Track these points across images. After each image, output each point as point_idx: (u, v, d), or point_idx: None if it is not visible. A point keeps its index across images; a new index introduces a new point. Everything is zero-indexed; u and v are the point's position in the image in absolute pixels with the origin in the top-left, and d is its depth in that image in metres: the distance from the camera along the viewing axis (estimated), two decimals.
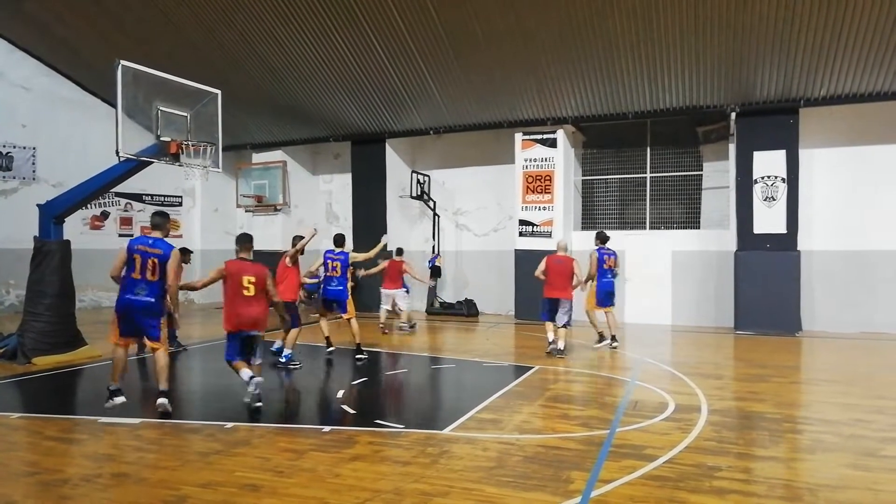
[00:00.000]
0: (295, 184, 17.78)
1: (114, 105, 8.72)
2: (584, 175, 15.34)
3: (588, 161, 15.35)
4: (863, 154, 12.52)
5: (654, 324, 13.68)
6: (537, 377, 8.29)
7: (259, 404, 6.56)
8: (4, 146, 14.95)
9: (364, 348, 9.65)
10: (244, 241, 6.95)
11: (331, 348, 9.75)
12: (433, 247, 16.31)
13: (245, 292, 6.61)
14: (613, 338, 10.51)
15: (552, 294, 9.73)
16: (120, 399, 6.36)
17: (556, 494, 4.28)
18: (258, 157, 17.86)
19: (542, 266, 9.78)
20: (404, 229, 16.78)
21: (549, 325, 9.90)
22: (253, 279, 6.65)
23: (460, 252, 16.61)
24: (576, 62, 12.19)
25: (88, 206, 13.92)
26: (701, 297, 13.62)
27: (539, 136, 14.39)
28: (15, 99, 15.11)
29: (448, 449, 5.26)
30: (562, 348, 9.63)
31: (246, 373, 6.58)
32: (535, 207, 14.37)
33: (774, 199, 12.39)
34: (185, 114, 9.40)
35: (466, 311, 15.30)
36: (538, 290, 10.15)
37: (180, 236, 17.74)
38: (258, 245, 17.01)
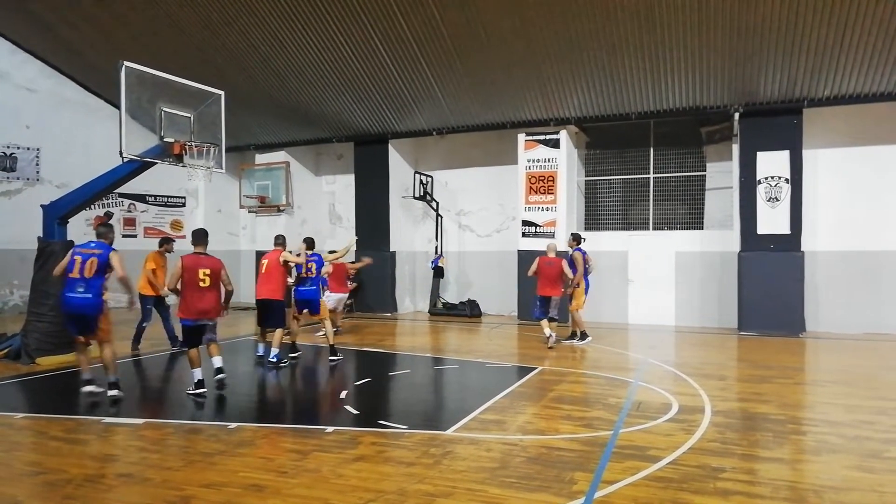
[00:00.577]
0: (298, 184, 17.80)
1: (117, 106, 8.75)
2: (587, 176, 15.33)
3: (591, 161, 15.34)
4: (867, 154, 12.49)
5: (658, 325, 13.66)
6: (540, 378, 8.29)
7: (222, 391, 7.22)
8: (9, 147, 15.00)
9: (367, 350, 9.65)
10: (200, 237, 7.43)
11: (297, 353, 9.74)
12: (436, 247, 16.31)
13: (201, 283, 7.17)
14: (584, 334, 11.23)
15: (545, 292, 10.58)
16: (90, 387, 7.25)
17: (560, 495, 4.27)
18: (261, 158, 17.88)
19: (534, 266, 10.69)
20: (407, 230, 16.79)
21: (544, 323, 10.63)
22: (208, 271, 7.21)
23: (463, 253, 16.60)
24: (579, 62, 12.18)
25: (92, 206, 13.93)
26: (704, 298, 13.60)
27: (542, 137, 14.38)
28: (19, 100, 15.16)
29: (451, 450, 5.26)
30: (557, 337, 10.72)
31: (217, 360, 7.33)
32: (538, 208, 14.36)
33: (778, 200, 12.37)
34: (188, 115, 9.43)
35: (469, 311, 15.29)
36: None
37: (183, 237, 17.74)
38: (261, 245, 17.14)
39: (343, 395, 7.38)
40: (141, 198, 17.33)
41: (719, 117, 13.36)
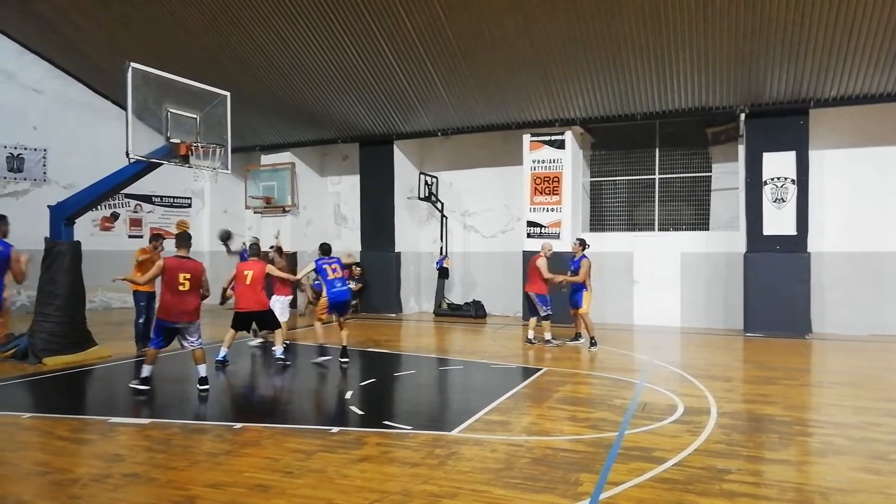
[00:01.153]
0: (303, 185, 17.83)
1: (124, 107, 8.78)
2: (592, 176, 15.31)
3: (596, 162, 15.32)
4: (874, 155, 12.43)
5: (663, 326, 13.63)
6: (545, 379, 8.28)
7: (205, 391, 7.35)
8: (16, 148, 15.07)
9: (371, 350, 9.68)
10: (184, 240, 7.59)
11: (328, 357, 9.67)
12: (441, 248, 16.31)
13: (181, 287, 7.24)
14: (578, 335, 11.23)
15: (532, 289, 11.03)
16: None
17: (565, 497, 4.27)
18: (267, 159, 17.92)
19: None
20: (412, 230, 16.79)
21: (546, 325, 10.88)
22: (188, 276, 7.30)
23: (468, 253, 16.60)
24: (584, 63, 12.17)
25: (99, 207, 14.01)
26: (710, 299, 13.56)
27: (547, 138, 14.36)
28: (26, 101, 15.24)
29: (456, 450, 5.26)
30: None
31: (202, 368, 7.45)
32: (543, 209, 14.35)
33: (784, 201, 12.32)
34: (194, 116, 9.46)
35: (474, 312, 15.29)
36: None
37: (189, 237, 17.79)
38: (267, 246, 17.13)
39: (348, 395, 7.39)
40: (147, 198, 17.39)
41: (725, 118, 13.32)
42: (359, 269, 16.01)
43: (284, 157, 17.64)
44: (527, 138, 14.56)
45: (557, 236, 13.91)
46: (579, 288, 10.73)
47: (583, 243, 11.11)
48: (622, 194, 15.01)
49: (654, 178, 14.52)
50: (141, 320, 10.24)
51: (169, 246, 10.55)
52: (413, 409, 7.11)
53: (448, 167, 16.75)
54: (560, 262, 11.71)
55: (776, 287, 12.15)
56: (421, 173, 16.08)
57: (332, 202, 18.60)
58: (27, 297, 14.35)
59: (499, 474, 4.71)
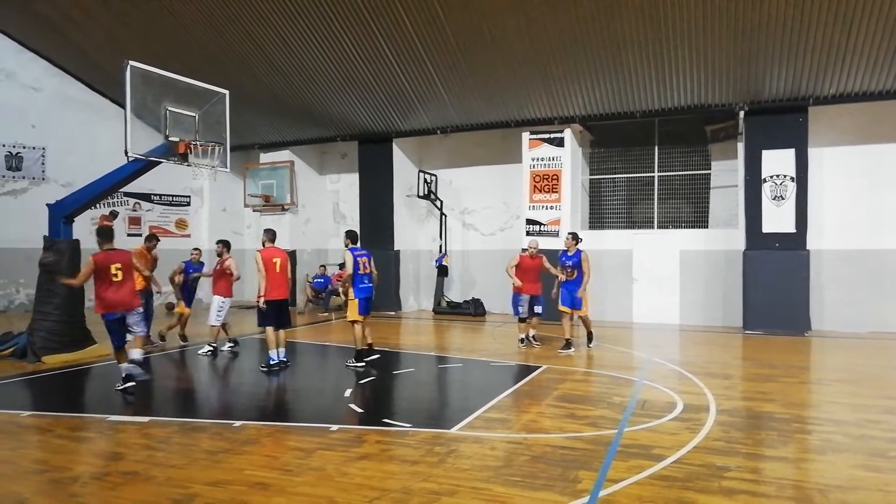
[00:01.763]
0: (302, 183, 17.83)
1: (122, 105, 8.76)
2: (591, 174, 15.31)
3: (596, 160, 15.33)
4: (873, 153, 12.44)
5: (662, 323, 13.64)
6: (545, 377, 8.28)
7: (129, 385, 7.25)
8: (14, 146, 15.05)
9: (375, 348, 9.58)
10: (107, 234, 7.57)
11: (376, 356, 9.25)
12: (440, 246, 16.32)
13: (114, 279, 7.31)
14: (569, 342, 10.19)
15: (533, 291, 10.47)
16: None
17: (564, 494, 4.27)
18: (266, 157, 17.92)
19: (514, 261, 10.55)
20: (411, 229, 16.79)
21: (535, 322, 10.71)
22: (120, 266, 7.39)
23: (467, 251, 16.61)
24: (583, 61, 12.16)
25: (97, 205, 13.98)
26: (709, 297, 13.57)
27: (546, 136, 14.36)
28: (25, 100, 15.22)
29: (456, 448, 5.26)
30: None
31: (125, 367, 7.31)
32: (543, 207, 14.35)
33: (783, 198, 12.33)
34: (193, 114, 9.45)
35: (473, 310, 15.29)
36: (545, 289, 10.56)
37: (188, 235, 17.81)
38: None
39: (347, 393, 7.38)
40: (146, 197, 17.38)
41: (724, 115, 13.33)
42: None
43: (283, 155, 17.65)
44: (526, 136, 14.56)
45: (556, 234, 13.91)
46: (574, 286, 10.00)
47: (575, 237, 10.38)
48: (621, 192, 15.01)
49: (654, 176, 14.52)
50: None
51: (161, 244, 10.66)
52: (412, 407, 7.11)
53: (447, 165, 16.75)
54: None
55: (775, 284, 12.16)
56: (420, 171, 16.08)
57: (331, 200, 18.60)
58: (26, 296, 14.37)
59: (498, 472, 4.71)
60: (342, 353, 9.75)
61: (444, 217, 16.35)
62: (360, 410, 6.65)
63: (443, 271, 16.06)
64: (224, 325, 10.32)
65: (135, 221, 17.14)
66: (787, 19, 10.36)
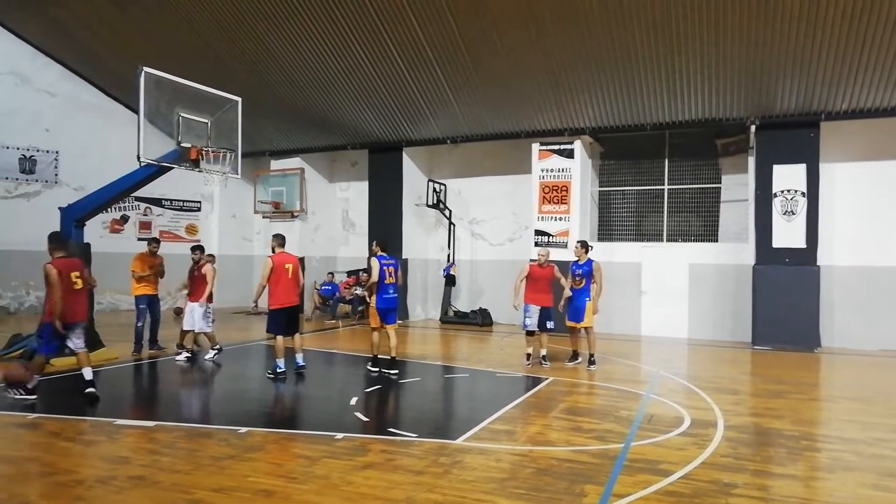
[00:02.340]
0: (312, 191, 17.90)
1: (135, 111, 8.85)
2: (601, 186, 15.29)
3: (605, 172, 15.31)
4: (885, 169, 12.36)
5: (671, 337, 13.56)
6: (551, 389, 8.24)
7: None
8: (28, 150, 15.21)
9: (378, 357, 9.55)
10: (59, 240, 7.26)
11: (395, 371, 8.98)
12: (448, 255, 16.31)
13: (76, 286, 7.06)
14: (576, 354, 10.09)
15: (544, 302, 9.78)
16: None
17: None
18: (276, 164, 18.01)
19: (524, 273, 9.89)
20: (420, 238, 16.81)
21: (544, 339, 9.87)
22: (78, 273, 7.12)
23: (475, 261, 16.59)
24: (594, 73, 12.18)
25: (109, 209, 14.09)
26: (718, 311, 13.48)
27: (556, 147, 14.36)
28: (39, 104, 15.40)
29: (461, 459, 5.24)
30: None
31: (89, 371, 7.18)
32: (552, 218, 14.33)
33: (794, 213, 12.27)
34: (205, 120, 9.54)
35: (480, 320, 15.26)
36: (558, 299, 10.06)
37: (198, 241, 17.89)
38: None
39: (353, 401, 7.37)
40: (157, 202, 17.51)
41: (735, 129, 13.29)
42: (366, 275, 16.00)
43: (294, 162, 17.73)
44: (536, 147, 14.57)
45: (565, 245, 13.88)
46: (581, 296, 9.76)
47: (585, 245, 10.11)
48: (631, 204, 14.98)
49: (664, 189, 14.48)
50: (140, 323, 10.20)
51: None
52: (418, 417, 7.09)
53: (456, 175, 16.78)
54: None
55: (785, 300, 12.07)
56: (429, 180, 16.10)
57: (341, 208, 18.66)
58: (36, 298, 14.46)
59: (503, 484, 4.68)
60: (349, 361, 9.75)
61: (452, 226, 16.36)
62: (365, 419, 6.64)
63: (450, 281, 16.05)
64: (200, 333, 9.96)
65: (145, 226, 17.25)
66: (799, 34, 10.34)
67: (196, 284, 9.86)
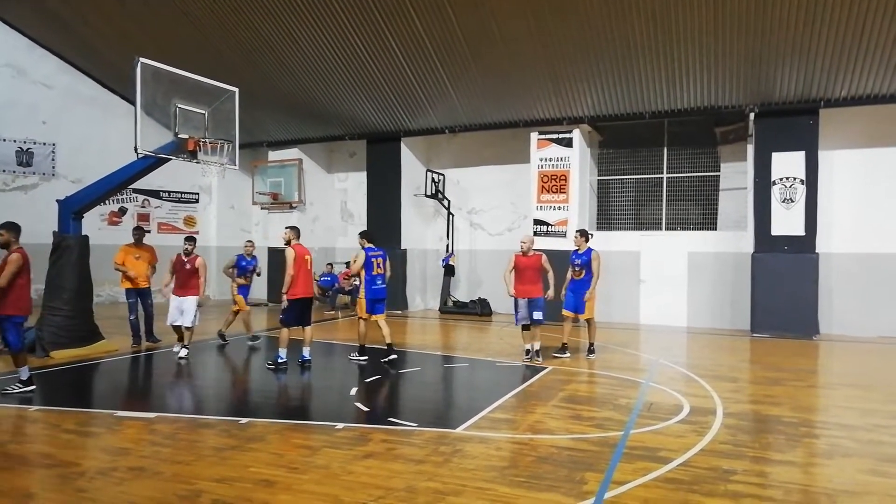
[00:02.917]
0: (310, 182, 17.86)
1: (133, 102, 8.81)
2: (599, 175, 15.27)
3: (604, 161, 15.28)
4: (884, 156, 12.34)
5: (670, 325, 13.59)
6: (551, 377, 8.26)
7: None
8: (25, 142, 15.16)
9: (377, 347, 9.58)
10: (14, 228, 7.06)
11: (394, 356, 9.12)
12: (447, 246, 16.30)
13: (30, 277, 6.94)
14: (565, 346, 9.69)
15: (527, 294, 9.22)
16: None
17: (570, 495, 4.26)
18: (274, 155, 17.96)
19: (510, 264, 9.37)
20: (419, 228, 16.79)
21: (536, 331, 9.38)
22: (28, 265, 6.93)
23: (474, 251, 16.59)
24: (593, 62, 12.12)
25: (106, 202, 14.05)
26: (717, 299, 13.51)
27: (555, 136, 14.32)
28: (36, 96, 15.33)
29: (461, 448, 5.26)
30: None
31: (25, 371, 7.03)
32: (550, 207, 14.31)
33: (793, 201, 12.26)
34: (202, 111, 9.49)
35: (480, 310, 15.28)
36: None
37: (197, 233, 17.87)
38: (274, 242, 17.17)
39: (353, 391, 7.39)
40: (155, 193, 17.47)
41: (734, 117, 13.26)
42: (350, 268, 16.00)
43: (292, 153, 17.68)
44: (534, 136, 14.53)
45: (564, 235, 13.88)
46: (581, 288, 9.48)
47: (585, 234, 9.71)
48: (630, 193, 14.96)
49: (662, 178, 14.47)
50: (132, 317, 10.15)
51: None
52: (418, 407, 7.11)
53: (455, 165, 16.74)
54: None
55: (784, 287, 12.09)
56: (428, 171, 16.07)
57: (339, 199, 18.63)
58: (35, 291, 14.42)
59: (503, 472, 4.70)
60: (348, 352, 9.76)
61: (451, 217, 16.34)
62: (365, 409, 6.65)
63: (449, 271, 16.05)
64: (183, 328, 9.41)
65: (144, 218, 17.21)
66: (798, 21, 10.30)
67: (188, 278, 9.33)
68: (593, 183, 15.17)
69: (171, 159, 9.39)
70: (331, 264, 16.75)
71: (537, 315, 9.14)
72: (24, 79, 15.16)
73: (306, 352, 8.83)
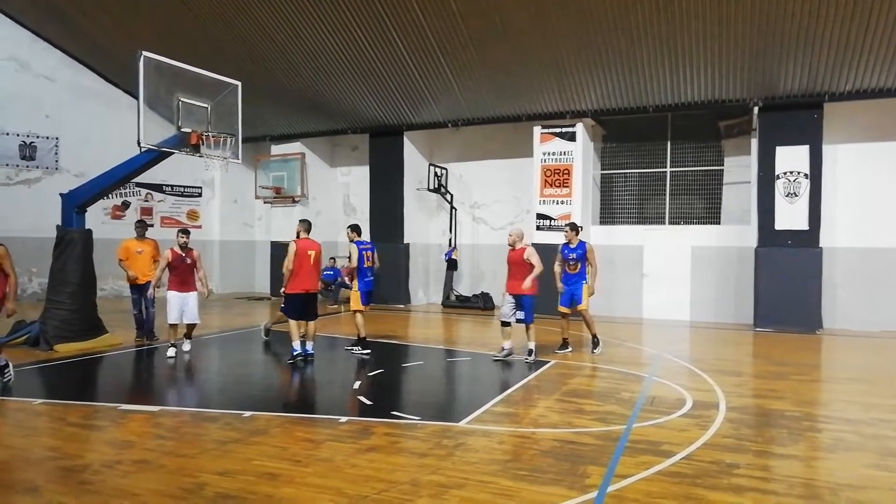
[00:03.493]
0: (313, 175, 17.85)
1: (135, 96, 8.80)
2: (603, 169, 15.23)
3: (607, 155, 15.24)
4: (888, 151, 12.29)
5: (673, 320, 13.58)
6: (554, 371, 8.26)
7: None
8: (28, 136, 15.17)
9: (380, 341, 9.63)
10: None
11: (369, 350, 9.29)
12: (450, 240, 16.30)
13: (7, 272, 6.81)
14: (566, 342, 9.57)
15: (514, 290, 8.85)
16: None
17: (572, 489, 4.27)
18: (277, 149, 17.95)
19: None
20: (421, 222, 16.79)
21: (509, 331, 8.99)
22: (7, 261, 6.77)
23: (477, 245, 16.59)
24: (596, 55, 12.08)
25: (110, 195, 14.07)
26: (720, 294, 13.49)
27: (558, 130, 14.28)
28: (39, 89, 15.34)
29: (464, 441, 5.26)
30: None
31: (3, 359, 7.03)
32: (553, 201, 14.29)
33: (797, 195, 12.22)
34: (205, 105, 9.48)
35: (482, 304, 15.29)
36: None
37: (199, 227, 17.90)
38: (276, 236, 17.18)
39: (356, 385, 7.40)
40: (158, 187, 17.47)
41: (738, 111, 13.21)
42: (347, 261, 16.00)
43: (295, 147, 17.68)
44: (537, 130, 14.49)
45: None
46: (577, 280, 9.35)
47: (575, 227, 9.52)
48: (633, 187, 14.93)
49: (666, 172, 14.43)
50: (136, 311, 10.11)
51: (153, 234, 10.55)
52: (421, 400, 7.12)
53: (458, 159, 16.72)
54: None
55: (787, 282, 12.07)
56: (431, 165, 16.05)
57: (342, 193, 18.62)
58: (38, 285, 14.49)
59: (506, 466, 4.71)
60: (352, 346, 9.76)
61: (454, 211, 16.33)
62: (368, 402, 6.66)
63: (452, 265, 16.05)
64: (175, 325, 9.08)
65: (147, 212, 17.23)
66: (803, 14, 10.24)
67: (187, 273, 9.05)
68: (596, 177, 15.14)
69: (174, 153, 9.40)
70: (333, 258, 16.76)
71: (520, 315, 8.73)
72: (28, 72, 15.17)
73: (309, 346, 8.84)
